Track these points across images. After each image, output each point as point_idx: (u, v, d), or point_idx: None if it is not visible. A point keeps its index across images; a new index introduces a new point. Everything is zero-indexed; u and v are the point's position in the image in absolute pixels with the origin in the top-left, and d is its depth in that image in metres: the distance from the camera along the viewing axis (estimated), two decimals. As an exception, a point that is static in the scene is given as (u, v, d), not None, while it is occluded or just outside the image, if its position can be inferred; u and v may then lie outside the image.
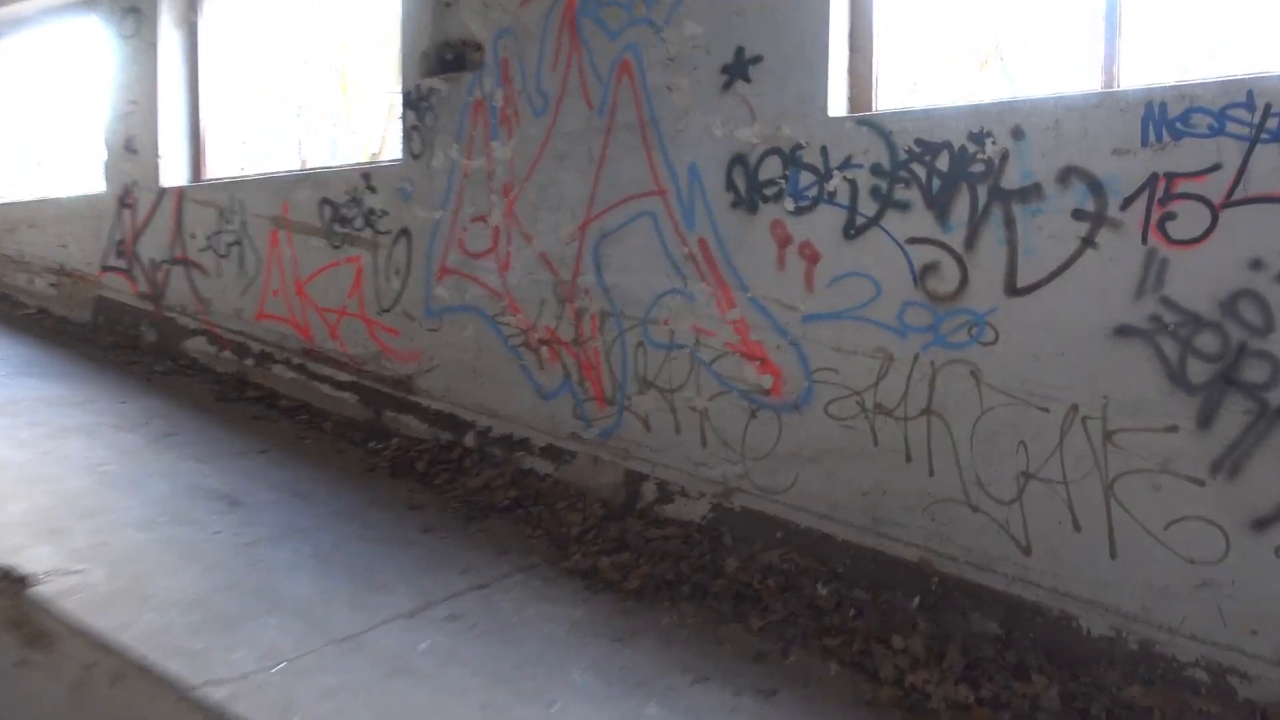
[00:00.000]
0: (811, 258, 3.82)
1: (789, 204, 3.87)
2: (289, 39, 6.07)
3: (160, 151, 6.34)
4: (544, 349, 4.67)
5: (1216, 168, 2.96)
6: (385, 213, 5.22)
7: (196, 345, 6.21)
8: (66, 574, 3.20)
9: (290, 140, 6.13)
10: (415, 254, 5.11)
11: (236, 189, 6.02)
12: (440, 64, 4.92)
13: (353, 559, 3.62)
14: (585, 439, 4.56)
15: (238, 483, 4.30)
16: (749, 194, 3.98)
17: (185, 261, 6.25)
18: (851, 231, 3.71)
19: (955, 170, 3.46)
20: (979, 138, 3.41)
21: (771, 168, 3.91)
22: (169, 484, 4.17)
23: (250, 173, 6.19)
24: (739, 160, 4.00)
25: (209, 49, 6.34)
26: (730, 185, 4.03)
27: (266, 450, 4.84)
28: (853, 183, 3.69)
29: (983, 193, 3.41)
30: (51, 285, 7.10)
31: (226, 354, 6.05)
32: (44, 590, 3.07)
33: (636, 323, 4.34)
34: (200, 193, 6.19)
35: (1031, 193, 3.30)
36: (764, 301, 3.95)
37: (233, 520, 3.86)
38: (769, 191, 3.92)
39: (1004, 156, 3.36)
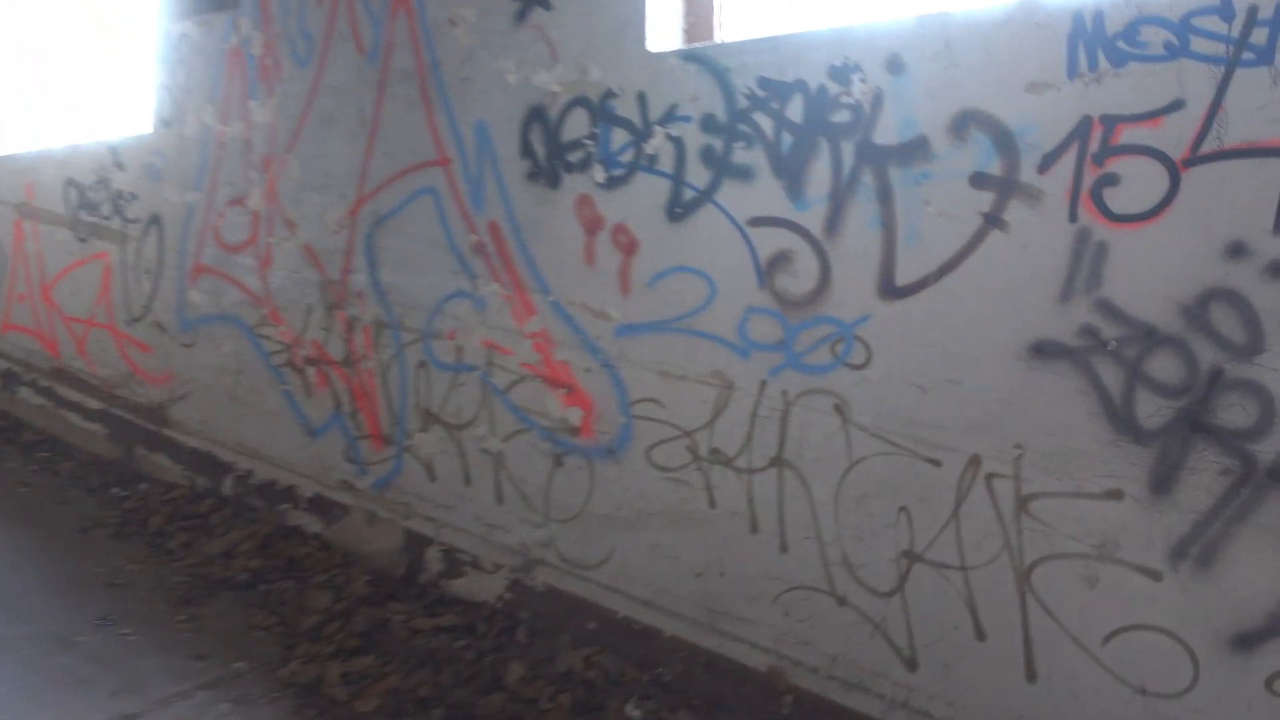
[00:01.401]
0: (627, 247, 2.77)
1: (599, 173, 2.82)
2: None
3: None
4: (310, 370, 3.58)
5: (1177, 106, 1.96)
6: (134, 196, 4.11)
7: (-61, 363, 5.07)
8: None
9: (49, 111, 5.01)
10: (167, 248, 4.01)
11: (-17, 169, 4.90)
12: (195, 1, 3.83)
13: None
14: (359, 489, 3.47)
15: None
16: (549, 161, 2.92)
17: (-72, 260, 5.12)
18: (678, 210, 2.66)
19: (812, 121, 2.43)
20: (843, 73, 2.38)
21: (577, 124, 2.86)
22: None
23: (3, 154, 5.07)
24: (537, 115, 2.94)
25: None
26: (526, 150, 2.97)
27: (-43, 506, 3.71)
28: (678, 142, 2.65)
29: (848, 152, 2.38)
30: None
31: (-30, 373, 4.91)
32: None
33: (417, 336, 3.26)
34: (-55, 175, 5.06)
35: (914, 150, 2.28)
36: (569, 307, 2.90)
37: None
38: (574, 157, 2.87)
39: (877, 99, 2.33)
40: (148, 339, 4.08)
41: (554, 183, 2.91)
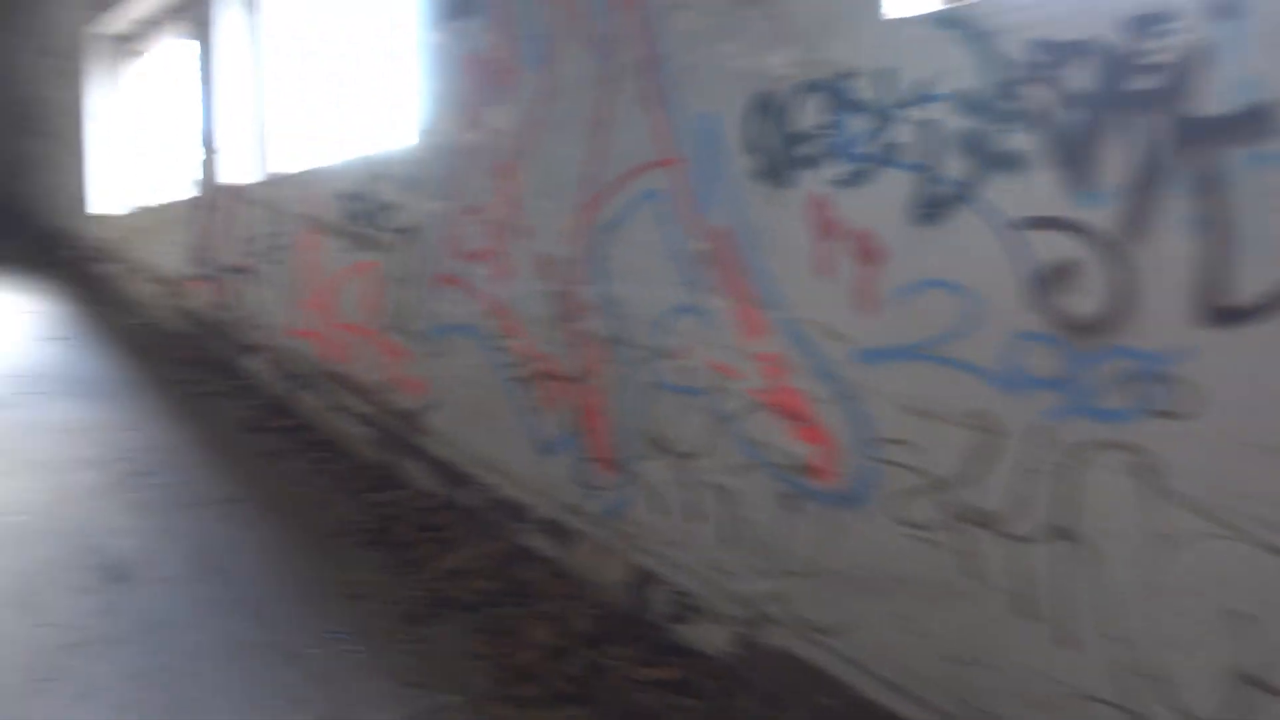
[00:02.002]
0: (867, 255, 2.30)
1: (833, 169, 2.37)
2: (342, 10, 5.22)
3: (219, 147, 5.73)
4: (543, 385, 3.42)
5: None
6: (396, 207, 4.18)
7: (252, 362, 5.54)
8: None
9: (338, 127, 5.28)
10: (419, 257, 4.03)
11: (281, 186, 5.26)
12: (447, 7, 3.80)
13: (182, 685, 2.58)
14: (588, 515, 3.26)
15: (156, 547, 3.42)
16: (776, 156, 2.51)
17: (244, 269, 5.60)
18: (929, 211, 2.16)
19: (1105, 90, 1.84)
20: (1148, 25, 1.77)
21: (808, 112, 2.43)
22: (64, 545, 3.35)
23: (294, 169, 5.42)
24: (763, 104, 2.54)
25: (276, 32, 5.63)
26: (751, 144, 2.58)
27: (239, 501, 3.96)
28: (930, 127, 2.14)
29: (1159, 128, 1.77)
30: (156, 294, 6.79)
31: (274, 374, 5.31)
32: None
33: (645, 354, 2.99)
34: (255, 192, 5.50)
35: (1253, 123, 1.64)
36: (801, 326, 2.48)
37: (86, 606, 2.96)
38: (804, 151, 2.44)
39: (1197, 57, 1.71)
40: (404, 346, 4.15)
41: (782, 181, 2.49)
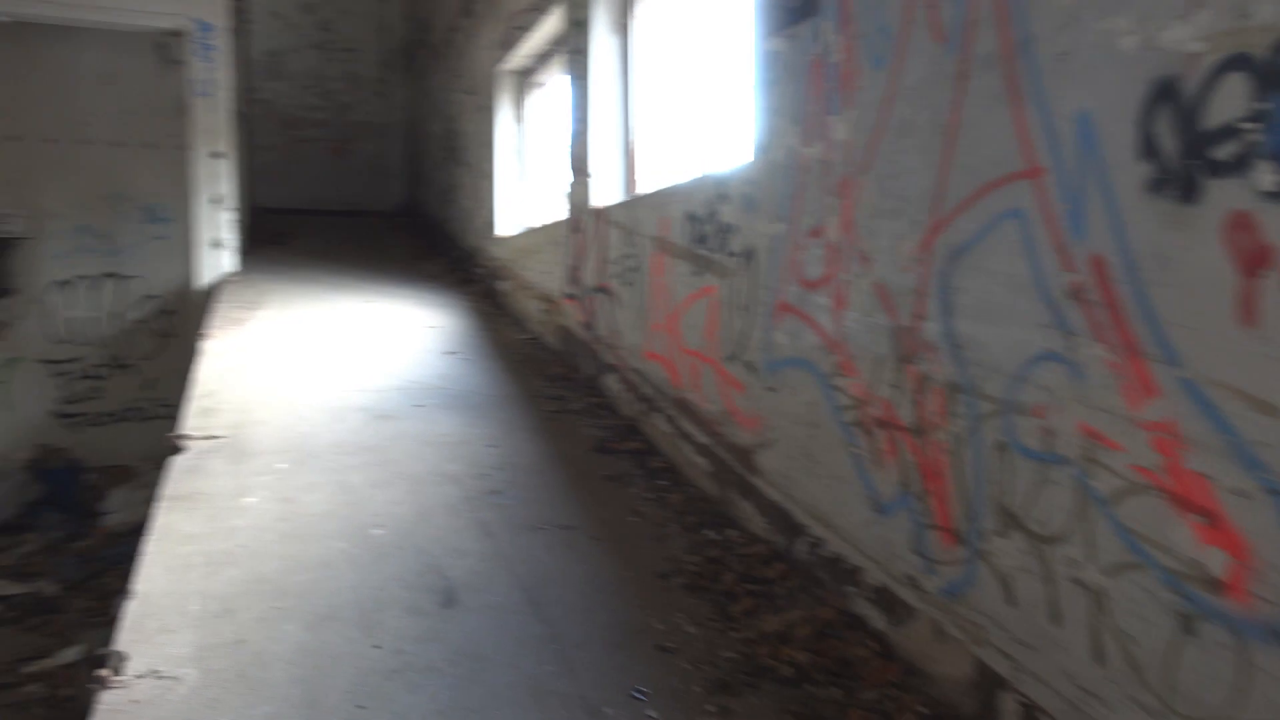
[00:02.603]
0: (1318, 299, 1.62)
1: (1267, 176, 1.71)
2: (701, 27, 5.10)
3: (591, 170, 5.88)
4: (879, 434, 2.97)
5: None
6: (735, 229, 3.94)
7: (610, 382, 5.61)
8: (157, 677, 2.68)
9: (694, 145, 5.15)
10: (757, 283, 3.75)
11: (636, 207, 5.25)
12: (786, 13, 3.48)
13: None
14: (926, 591, 2.76)
15: (487, 572, 3.48)
16: (1182, 161, 1.88)
17: (605, 289, 5.69)
18: None
19: None
20: None
21: (1229, 99, 1.78)
22: (410, 562, 3.51)
23: (650, 189, 5.38)
24: (1164, 93, 1.92)
25: (640, 53, 5.67)
26: (1146, 147, 1.96)
27: (574, 528, 3.95)
28: None
29: None
30: (542, 311, 7.21)
31: (628, 395, 5.33)
32: (114, 696, 2.59)
33: (997, 407, 2.44)
34: (615, 213, 5.56)
35: None
36: (1211, 390, 1.83)
37: (414, 629, 3.03)
38: (1223, 152, 1.79)
39: None
40: (740, 378, 3.90)
41: (1189, 194, 1.86)
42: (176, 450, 4.56)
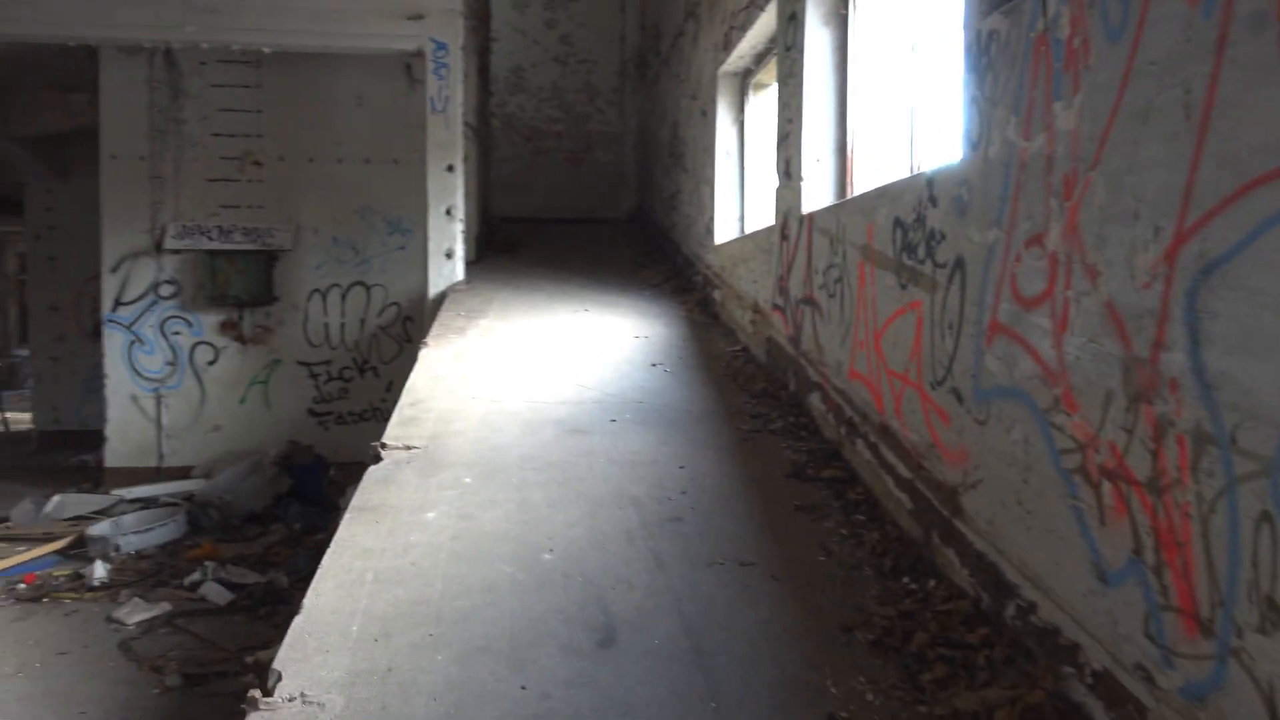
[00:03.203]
0: None
1: None
2: (918, 13, 4.58)
3: (803, 173, 5.48)
4: (1106, 485, 2.42)
5: None
6: (942, 236, 3.45)
7: (814, 401, 5.19)
8: (304, 702, 2.63)
9: (908, 142, 4.63)
10: (967, 299, 3.25)
11: (842, 213, 4.81)
12: (1004, -13, 2.99)
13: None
14: (1161, 687, 2.21)
15: (653, 609, 3.21)
16: None
17: (811, 301, 5.28)
18: None
19: None
20: None
21: None
22: (574, 594, 3.29)
23: (857, 193, 4.92)
24: None
25: (855, 45, 5.22)
26: None
27: (752, 564, 3.60)
28: None
29: None
30: (751, 322, 6.88)
31: (830, 417, 4.89)
32: (260, 718, 2.57)
33: (1261, 467, 1.88)
34: (822, 219, 5.13)
35: None
36: None
37: (567, 672, 2.81)
38: None
39: None
40: (946, 407, 3.41)
41: None
42: (376, 459, 4.66)
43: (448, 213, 8.91)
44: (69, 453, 11.68)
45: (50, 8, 8.39)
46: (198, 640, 5.67)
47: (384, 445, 4.78)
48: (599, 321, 7.65)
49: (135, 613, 5.96)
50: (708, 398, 5.79)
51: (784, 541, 3.84)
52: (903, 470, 3.84)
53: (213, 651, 5.49)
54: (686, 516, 4.04)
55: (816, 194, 5.45)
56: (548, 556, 3.63)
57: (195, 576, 6.50)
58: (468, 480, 4.37)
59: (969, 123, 3.24)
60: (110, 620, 5.93)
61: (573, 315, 7.87)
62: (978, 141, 3.18)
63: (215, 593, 6.28)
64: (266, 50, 9.10)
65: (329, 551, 3.64)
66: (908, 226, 3.80)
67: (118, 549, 7.18)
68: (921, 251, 3.65)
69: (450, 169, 8.91)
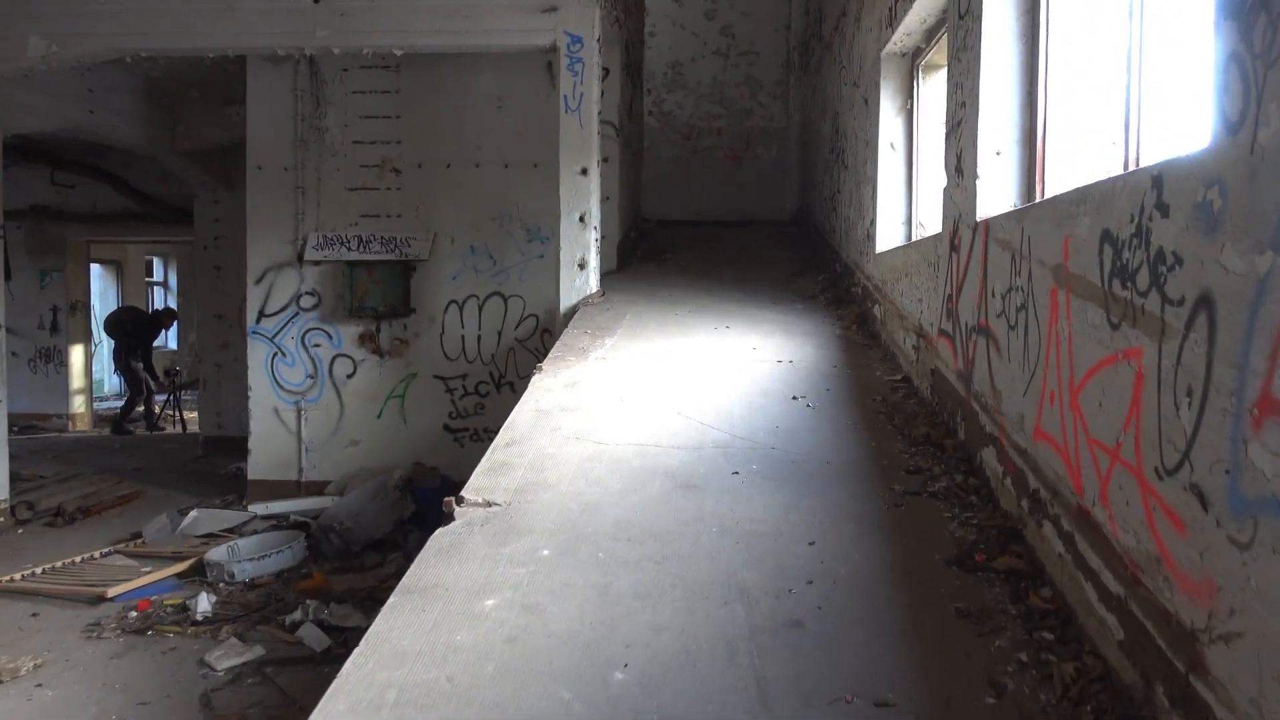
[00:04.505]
0: None
1: None
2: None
3: (978, 170, 4.40)
4: None
5: None
6: (1177, 259, 2.38)
7: (988, 458, 4.11)
8: None
9: (1119, 129, 3.49)
10: (1218, 355, 2.18)
11: (1027, 220, 3.71)
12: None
13: None
14: None
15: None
16: None
17: (986, 330, 4.20)
18: None
19: None
20: None
21: None
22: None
23: (1049, 194, 3.79)
24: None
25: (1059, 17, 4.09)
26: None
27: (889, 706, 2.64)
28: None
29: None
30: (913, 348, 5.80)
31: (1008, 483, 3.82)
32: None
33: None
34: (1002, 227, 4.04)
35: None
36: None
37: None
38: None
39: None
40: (1180, 509, 2.34)
41: None
42: (449, 517, 3.98)
43: (580, 220, 8.24)
44: (231, 459, 11.86)
45: (188, 20, 8.29)
46: (281, 695, 5.21)
47: (460, 500, 4.09)
48: (739, 342, 6.75)
49: (228, 656, 5.58)
50: (855, 444, 4.79)
51: (938, 669, 2.85)
52: (1111, 581, 2.77)
53: (292, 711, 5.00)
54: (809, 621, 3.11)
55: (994, 196, 4.36)
56: (619, 676, 2.80)
57: (296, 615, 6.08)
58: (545, 553, 3.60)
59: (1225, 94, 2.17)
60: (202, 664, 5.57)
61: (711, 334, 7.00)
62: (1238, 121, 2.11)
63: (313, 637, 5.83)
64: (397, 52, 8.72)
65: (355, 654, 2.94)
66: (1122, 243, 2.73)
67: (232, 577, 6.91)
68: (1143, 280, 2.57)
69: (584, 172, 8.23)
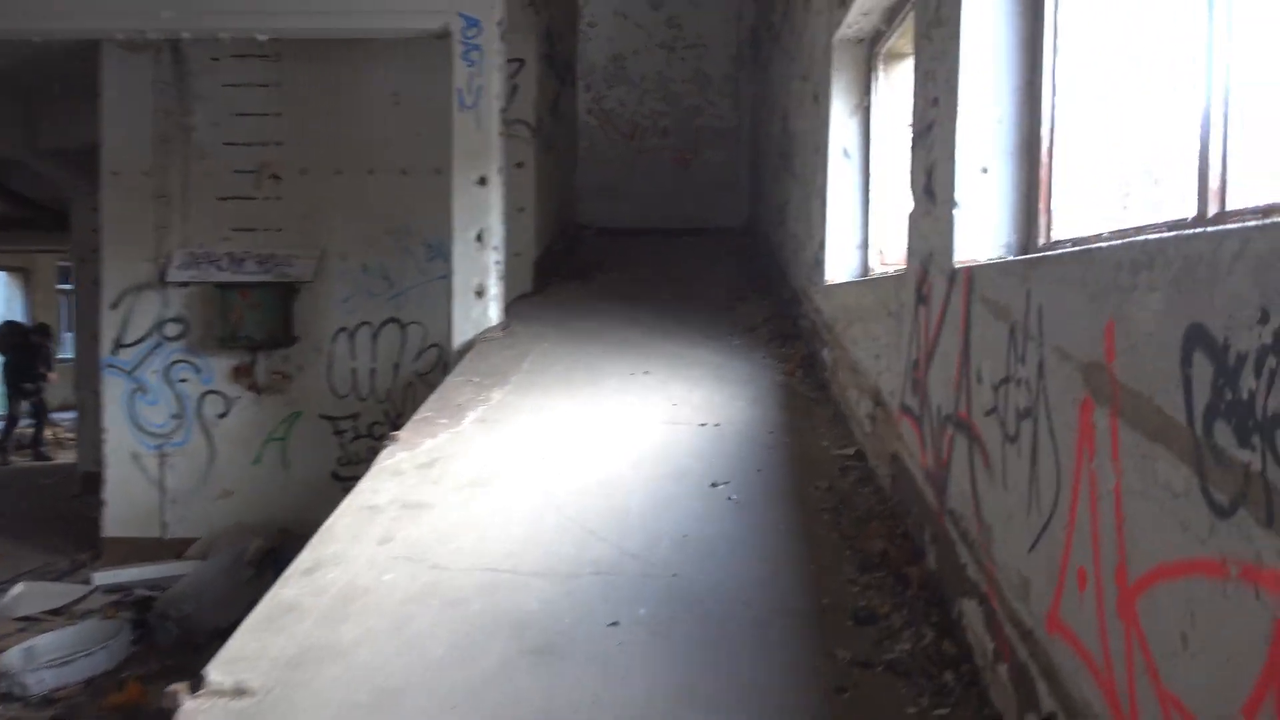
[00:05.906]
0: None
1: None
2: None
3: (957, 193, 3.17)
4: None
5: None
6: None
7: (973, 619, 2.87)
8: None
9: (1187, 142, 2.25)
10: None
11: (1037, 277, 2.47)
12: None
13: None
14: None
15: None
16: None
17: (967, 426, 2.97)
18: None
19: None
20: None
21: None
22: None
23: (1068, 245, 2.56)
24: None
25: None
26: None
27: None
28: None
29: None
30: (869, 416, 4.56)
31: (1002, 673, 2.58)
32: None
33: None
34: (993, 282, 2.80)
35: None
36: None
37: None
38: None
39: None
40: None
41: None
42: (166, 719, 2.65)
43: (478, 239, 6.90)
44: (105, 501, 10.38)
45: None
46: None
47: (199, 682, 2.76)
48: (658, 395, 5.44)
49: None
50: (788, 566, 3.51)
51: None
52: None
53: None
54: None
55: (979, 231, 3.10)
56: None
57: (85, 756, 4.73)
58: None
59: None
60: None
61: (624, 383, 5.70)
62: None
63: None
64: (261, 37, 7.33)
65: None
66: (1238, 358, 1.47)
67: (24, 689, 5.51)
68: (1272, 423, 1.32)
69: (483, 182, 6.90)
